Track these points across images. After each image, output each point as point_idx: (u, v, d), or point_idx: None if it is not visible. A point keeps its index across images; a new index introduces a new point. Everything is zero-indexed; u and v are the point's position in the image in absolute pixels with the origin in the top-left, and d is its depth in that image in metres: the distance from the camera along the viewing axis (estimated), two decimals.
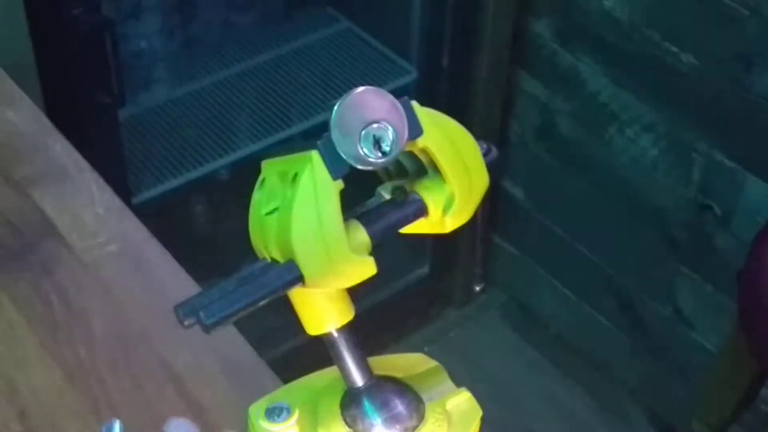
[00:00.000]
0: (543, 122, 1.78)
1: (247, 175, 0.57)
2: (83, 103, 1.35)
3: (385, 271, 0.52)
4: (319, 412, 0.56)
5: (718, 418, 1.42)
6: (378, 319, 1.81)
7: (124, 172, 1.48)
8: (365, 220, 0.52)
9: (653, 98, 1.55)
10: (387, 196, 0.54)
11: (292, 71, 1.80)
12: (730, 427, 1.44)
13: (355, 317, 0.53)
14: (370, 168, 0.49)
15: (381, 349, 0.52)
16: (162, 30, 1.70)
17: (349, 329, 0.53)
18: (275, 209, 0.51)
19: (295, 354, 1.41)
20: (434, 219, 0.54)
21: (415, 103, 0.51)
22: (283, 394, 0.58)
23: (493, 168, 0.55)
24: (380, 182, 0.55)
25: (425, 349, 1.86)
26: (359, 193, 0.54)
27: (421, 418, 0.55)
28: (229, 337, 0.77)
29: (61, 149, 0.93)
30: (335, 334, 0.53)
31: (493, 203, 1.91)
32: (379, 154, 0.49)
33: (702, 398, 1.51)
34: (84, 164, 0.92)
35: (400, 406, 0.55)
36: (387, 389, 0.55)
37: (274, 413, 0.56)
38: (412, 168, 0.55)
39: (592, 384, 1.87)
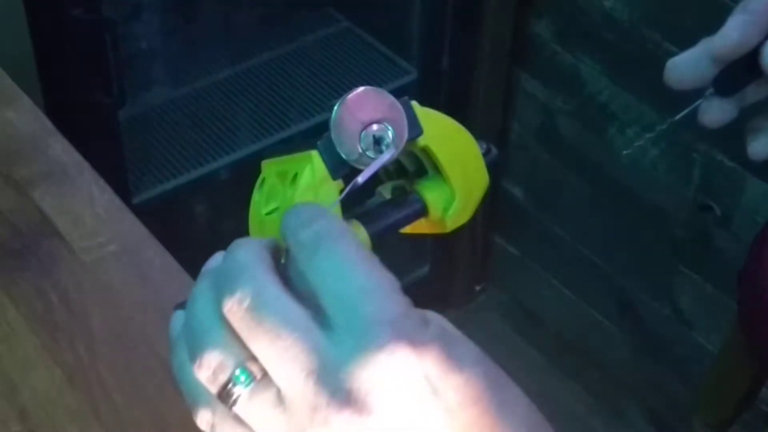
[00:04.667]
0: (543, 122, 1.78)
1: (247, 175, 0.57)
2: (83, 102, 1.35)
3: None
4: None
5: (718, 418, 1.42)
6: None
7: (124, 172, 1.48)
8: (365, 220, 0.52)
9: (653, 98, 1.55)
10: (387, 196, 0.54)
11: (292, 71, 1.80)
12: (730, 427, 1.44)
13: None
14: None
15: None
16: (162, 30, 1.70)
17: None
18: (275, 209, 0.51)
19: None
20: (434, 219, 0.54)
21: (415, 103, 0.51)
22: None
23: (493, 168, 0.55)
24: (380, 182, 0.55)
25: None
26: (359, 193, 0.54)
27: None
28: None
29: (61, 149, 0.93)
30: None
31: (493, 203, 1.91)
32: (380, 155, 0.49)
33: (702, 398, 1.51)
34: (84, 164, 0.92)
35: None
36: None
37: None
38: (412, 168, 0.55)
39: (592, 384, 1.87)
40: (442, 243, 1.91)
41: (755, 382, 1.38)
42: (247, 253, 0.42)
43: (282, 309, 0.39)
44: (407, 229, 0.54)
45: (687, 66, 0.61)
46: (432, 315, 0.40)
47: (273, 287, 0.40)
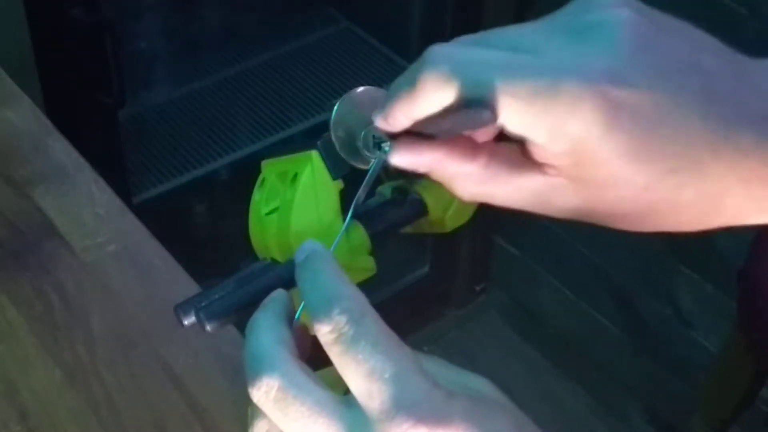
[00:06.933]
0: None
1: (247, 175, 0.57)
2: (83, 103, 1.35)
3: (385, 271, 0.52)
4: None
5: (718, 418, 1.42)
6: None
7: (124, 172, 1.48)
8: (365, 220, 0.52)
9: None
10: (387, 196, 0.54)
11: (292, 71, 1.80)
12: (730, 427, 1.44)
13: None
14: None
15: None
16: (162, 30, 1.70)
17: None
18: (275, 209, 0.51)
19: None
20: (434, 219, 0.54)
21: None
22: None
23: None
24: (380, 182, 0.55)
25: (425, 349, 1.86)
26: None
27: None
28: (229, 337, 0.77)
29: (61, 149, 0.93)
30: None
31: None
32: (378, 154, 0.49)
33: (702, 398, 1.51)
34: (84, 164, 0.91)
35: None
36: None
37: None
38: None
39: (592, 384, 1.87)
40: (442, 243, 1.91)
41: (755, 382, 1.38)
42: (265, 338, 0.43)
43: (307, 396, 0.41)
44: (407, 229, 0.54)
45: None
46: (475, 381, 0.42)
47: (295, 375, 0.42)
